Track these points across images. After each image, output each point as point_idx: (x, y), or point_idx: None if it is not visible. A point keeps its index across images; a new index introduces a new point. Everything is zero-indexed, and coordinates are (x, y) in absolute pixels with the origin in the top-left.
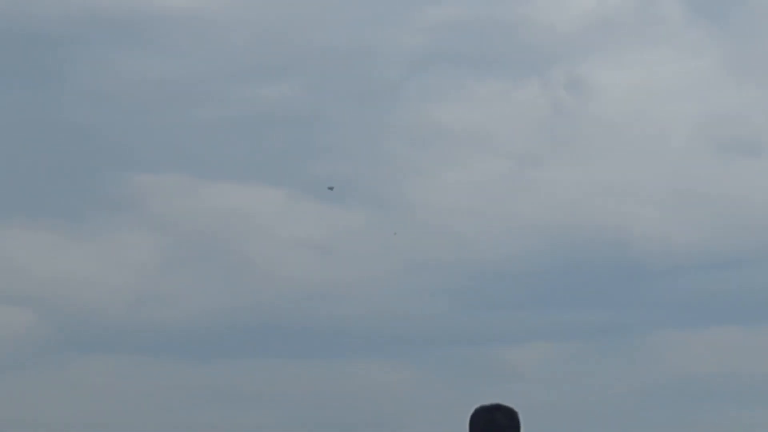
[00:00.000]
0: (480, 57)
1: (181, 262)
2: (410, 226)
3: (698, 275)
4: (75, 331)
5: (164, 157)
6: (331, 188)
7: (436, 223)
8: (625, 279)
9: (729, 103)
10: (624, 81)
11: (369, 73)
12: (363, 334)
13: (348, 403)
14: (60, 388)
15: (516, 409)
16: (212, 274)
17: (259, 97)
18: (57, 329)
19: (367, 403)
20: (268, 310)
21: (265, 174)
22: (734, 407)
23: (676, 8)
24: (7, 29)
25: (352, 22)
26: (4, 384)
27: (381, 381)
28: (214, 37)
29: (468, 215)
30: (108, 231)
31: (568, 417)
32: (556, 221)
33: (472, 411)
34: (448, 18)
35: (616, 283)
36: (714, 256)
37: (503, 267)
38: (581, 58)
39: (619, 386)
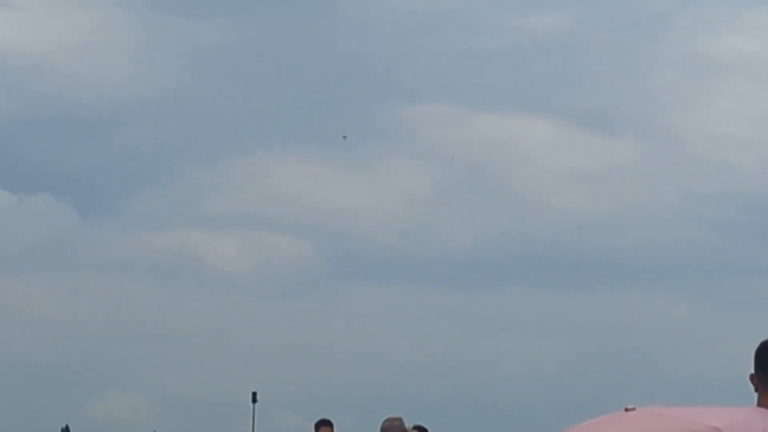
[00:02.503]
0: None
1: (451, 192)
2: (681, 157)
3: None
4: (347, 260)
5: (435, 88)
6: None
7: (708, 154)
8: None
9: None
10: None
11: (639, 4)
12: (634, 265)
13: (618, 334)
14: (333, 314)
15: None
16: (481, 204)
17: (528, 27)
18: (330, 258)
19: (638, 334)
20: (537, 241)
21: (534, 104)
22: None
23: None
24: None
25: None
26: (282, 309)
27: (653, 312)
28: None
29: (740, 146)
30: (379, 161)
31: None
32: None
33: (757, 345)
34: None
35: None
36: None
37: None
38: None
39: None
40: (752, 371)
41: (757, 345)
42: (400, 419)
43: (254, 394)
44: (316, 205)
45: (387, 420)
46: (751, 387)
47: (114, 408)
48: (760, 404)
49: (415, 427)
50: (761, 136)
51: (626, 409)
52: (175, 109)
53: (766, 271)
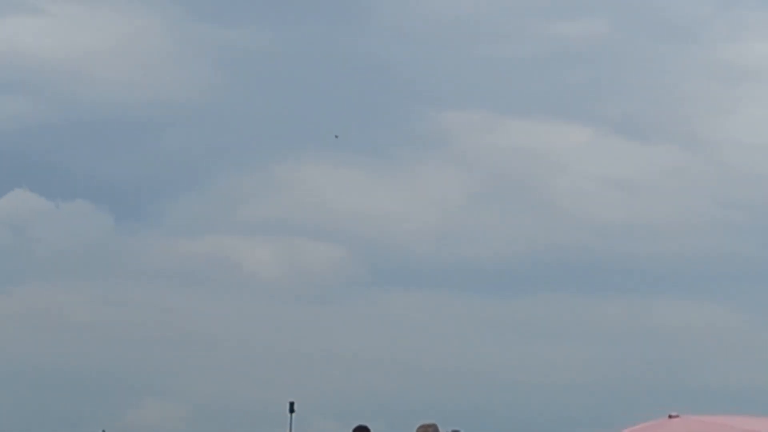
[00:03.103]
0: None
1: (486, 198)
2: (718, 165)
3: None
4: (383, 267)
5: (471, 94)
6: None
7: (745, 162)
8: None
9: None
10: None
11: (673, 10)
12: (670, 273)
13: (653, 342)
14: (369, 321)
15: None
16: (517, 211)
17: (562, 34)
18: (366, 265)
19: (674, 342)
20: (573, 247)
21: (569, 111)
22: None
23: None
24: None
25: None
26: (318, 316)
27: (690, 320)
28: None
29: None
30: (414, 167)
31: None
32: None
33: None
34: None
35: None
36: None
37: None
38: None
39: None
40: None
41: None
42: (434, 425)
43: (291, 404)
44: (351, 211)
45: (421, 427)
46: None
47: (151, 415)
48: None
49: None
50: None
51: (670, 416)
52: (211, 115)
53: None
